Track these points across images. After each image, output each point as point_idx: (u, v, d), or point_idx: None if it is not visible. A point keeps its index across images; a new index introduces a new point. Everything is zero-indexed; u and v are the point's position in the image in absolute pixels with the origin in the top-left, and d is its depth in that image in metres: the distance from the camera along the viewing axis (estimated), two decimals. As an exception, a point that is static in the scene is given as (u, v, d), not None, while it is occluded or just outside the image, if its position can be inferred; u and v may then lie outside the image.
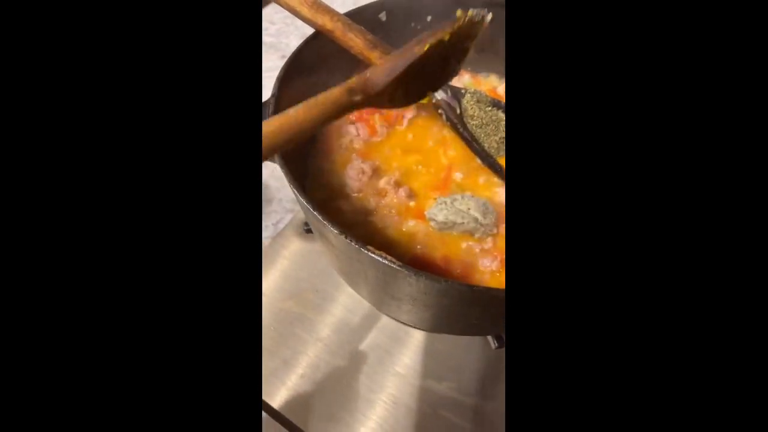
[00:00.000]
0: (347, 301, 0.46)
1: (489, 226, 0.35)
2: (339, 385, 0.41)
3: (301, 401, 0.41)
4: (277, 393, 0.41)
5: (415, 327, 0.40)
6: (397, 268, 0.23)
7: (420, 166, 0.40)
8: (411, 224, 0.36)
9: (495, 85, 0.47)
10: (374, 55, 0.36)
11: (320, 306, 0.45)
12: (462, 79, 0.48)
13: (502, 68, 0.47)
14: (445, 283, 0.23)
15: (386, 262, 0.24)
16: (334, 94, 0.25)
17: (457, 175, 0.40)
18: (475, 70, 0.48)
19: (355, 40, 0.35)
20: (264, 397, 0.40)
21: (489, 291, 0.23)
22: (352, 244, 0.24)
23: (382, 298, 0.33)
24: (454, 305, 0.27)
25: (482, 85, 0.47)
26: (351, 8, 0.39)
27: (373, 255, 0.24)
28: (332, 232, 0.25)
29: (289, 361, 0.42)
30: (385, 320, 0.44)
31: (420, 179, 0.40)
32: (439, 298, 0.26)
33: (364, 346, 0.43)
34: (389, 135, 0.43)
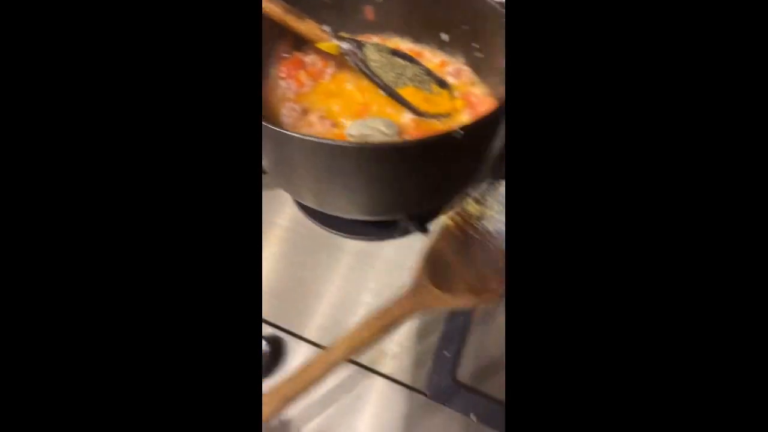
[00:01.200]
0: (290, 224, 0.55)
1: (392, 135, 0.46)
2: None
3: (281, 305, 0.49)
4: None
5: (357, 218, 0.49)
6: (335, 143, 0.33)
7: (341, 106, 0.51)
8: (335, 144, 0.47)
9: (397, 44, 0.58)
10: (289, 19, 0.46)
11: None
12: (371, 41, 0.59)
13: (401, 31, 0.58)
14: (366, 145, 0.33)
15: (325, 141, 0.33)
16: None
17: (374, 108, 0.51)
18: (382, 35, 0.59)
19: (274, 8, 0.46)
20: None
21: (397, 143, 0.33)
22: (296, 135, 0.34)
23: (322, 191, 0.42)
24: (377, 170, 0.36)
25: (387, 44, 0.59)
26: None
27: (313, 138, 0.33)
28: (275, 130, 0.34)
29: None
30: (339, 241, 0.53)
31: (341, 114, 0.50)
32: (368, 166, 0.35)
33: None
34: (315, 86, 0.53)
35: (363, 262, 0.51)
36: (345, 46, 0.48)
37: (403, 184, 0.39)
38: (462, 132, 0.34)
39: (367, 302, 0.47)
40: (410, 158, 0.36)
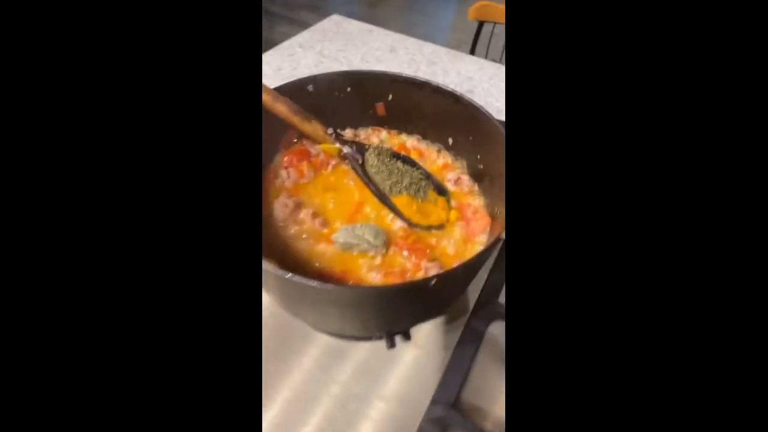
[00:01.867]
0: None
1: (379, 246, 0.45)
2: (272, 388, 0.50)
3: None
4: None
5: (326, 332, 0.49)
6: (310, 284, 0.31)
7: (336, 202, 0.51)
8: (321, 246, 0.47)
9: (404, 141, 0.59)
10: (296, 119, 0.47)
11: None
12: (380, 135, 0.60)
13: (409, 128, 0.59)
14: (337, 288, 0.32)
15: (302, 281, 0.31)
16: None
17: (368, 209, 0.51)
18: (391, 130, 0.60)
19: (281, 108, 0.47)
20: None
21: (352, 288, 0.33)
22: (280, 274, 0.32)
23: (308, 313, 0.42)
24: (351, 306, 0.36)
25: (395, 139, 0.60)
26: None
27: (295, 279, 0.31)
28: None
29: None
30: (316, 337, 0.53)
31: (334, 211, 0.50)
32: (343, 303, 0.35)
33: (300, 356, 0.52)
34: (316, 177, 0.54)
35: (331, 358, 0.50)
36: (346, 150, 0.49)
37: (379, 315, 0.39)
38: (434, 282, 0.33)
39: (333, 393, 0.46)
40: (384, 298, 0.36)
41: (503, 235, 0.37)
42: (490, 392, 0.48)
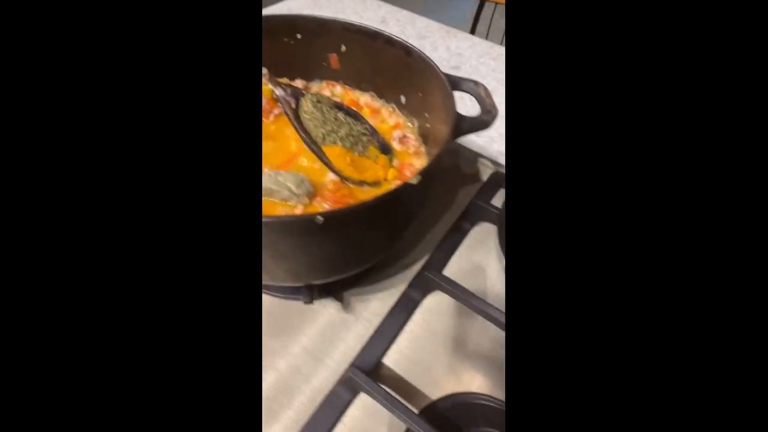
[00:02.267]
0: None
1: (301, 196, 0.42)
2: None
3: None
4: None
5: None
6: None
7: (269, 150, 0.49)
8: (242, 191, 0.44)
9: (358, 97, 0.56)
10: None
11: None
12: (334, 89, 0.57)
13: (363, 84, 0.56)
14: None
15: None
16: None
17: (303, 160, 0.48)
18: (345, 85, 0.57)
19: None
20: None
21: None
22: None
23: None
24: None
25: (349, 95, 0.56)
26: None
27: None
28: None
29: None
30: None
31: (267, 159, 0.48)
32: None
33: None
34: (255, 125, 0.51)
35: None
36: (278, 92, 0.46)
37: (275, 255, 0.36)
38: (322, 219, 0.30)
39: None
40: (266, 231, 0.33)
41: (414, 182, 0.34)
42: (414, 363, 0.45)
